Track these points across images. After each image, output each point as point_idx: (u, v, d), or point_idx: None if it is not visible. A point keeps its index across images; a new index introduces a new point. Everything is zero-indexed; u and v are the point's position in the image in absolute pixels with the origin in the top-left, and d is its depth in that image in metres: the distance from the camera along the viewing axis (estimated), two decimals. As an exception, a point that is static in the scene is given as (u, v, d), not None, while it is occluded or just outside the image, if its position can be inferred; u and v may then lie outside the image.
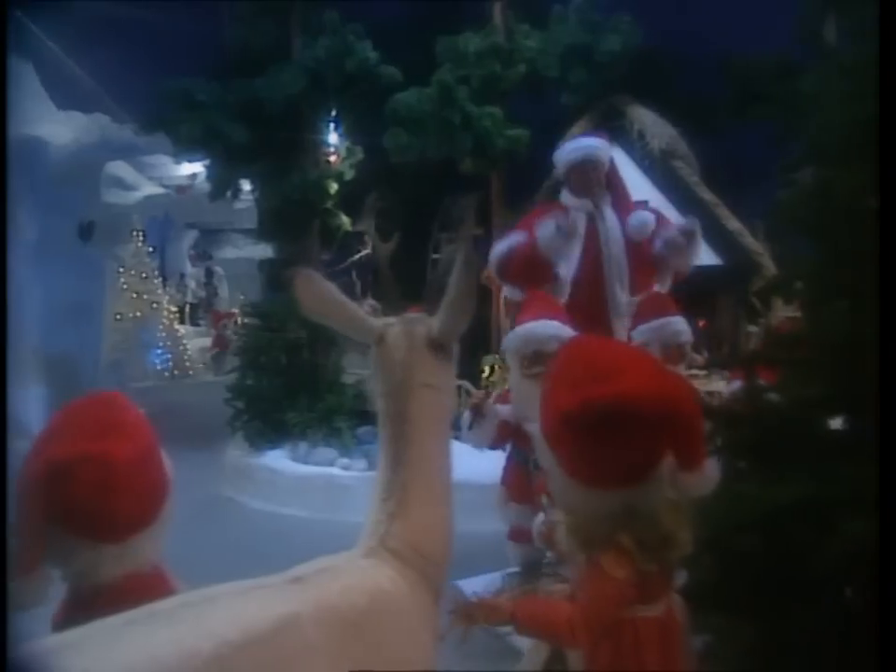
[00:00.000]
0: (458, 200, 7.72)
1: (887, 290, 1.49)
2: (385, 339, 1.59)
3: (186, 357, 13.34)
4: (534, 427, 1.62)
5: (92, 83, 9.66)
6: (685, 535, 1.53)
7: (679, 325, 3.51)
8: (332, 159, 7.43)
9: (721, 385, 4.13)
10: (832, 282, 1.88)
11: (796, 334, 1.98)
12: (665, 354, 3.38)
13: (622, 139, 6.88)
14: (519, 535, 3.62)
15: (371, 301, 8.43)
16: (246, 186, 8.22)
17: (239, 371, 6.89)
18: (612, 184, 3.98)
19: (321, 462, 6.01)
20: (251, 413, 6.64)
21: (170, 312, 13.62)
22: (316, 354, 6.47)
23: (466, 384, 6.62)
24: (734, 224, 6.73)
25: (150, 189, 14.56)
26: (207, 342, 14.23)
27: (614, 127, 6.96)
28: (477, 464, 5.75)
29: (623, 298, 3.80)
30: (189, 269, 17.22)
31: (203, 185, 10.16)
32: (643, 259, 3.83)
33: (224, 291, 16.90)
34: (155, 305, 13.29)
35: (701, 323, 6.65)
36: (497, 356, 6.14)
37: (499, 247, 3.94)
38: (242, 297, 13.90)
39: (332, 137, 7.45)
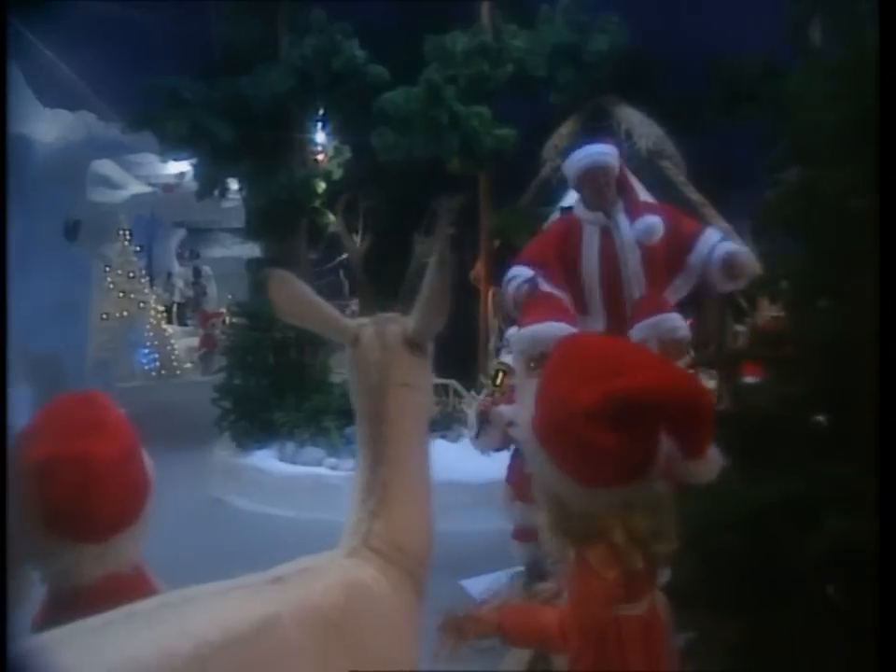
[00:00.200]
0: (445, 200, 7.72)
1: (886, 290, 1.50)
2: (361, 339, 1.59)
3: (173, 357, 13.29)
4: (521, 431, 1.60)
5: (78, 81, 9.61)
6: (672, 528, 1.53)
7: (675, 321, 3.53)
8: (320, 158, 7.41)
9: (710, 384, 4.17)
10: (816, 281, 1.89)
11: (781, 333, 1.99)
12: (663, 350, 3.39)
13: (609, 139, 6.89)
14: (524, 534, 3.62)
15: (358, 301, 8.42)
16: (234, 185, 8.19)
17: (226, 371, 6.87)
18: (623, 188, 3.99)
19: (309, 462, 6.00)
20: (238, 412, 6.62)
21: (157, 311, 13.56)
22: (304, 353, 6.46)
23: (453, 383, 6.64)
24: (721, 224, 6.76)
25: (137, 187, 14.48)
26: (195, 341, 14.18)
27: (601, 127, 6.98)
28: (479, 463, 5.80)
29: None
30: (176, 268, 17.14)
31: (190, 183, 10.12)
32: (655, 262, 3.85)
33: (212, 290, 16.84)
34: (142, 305, 13.23)
35: (688, 322, 6.65)
36: (503, 361, 6.14)
37: (511, 284, 3.94)
38: (230, 296, 13.85)
39: (320, 136, 7.43)
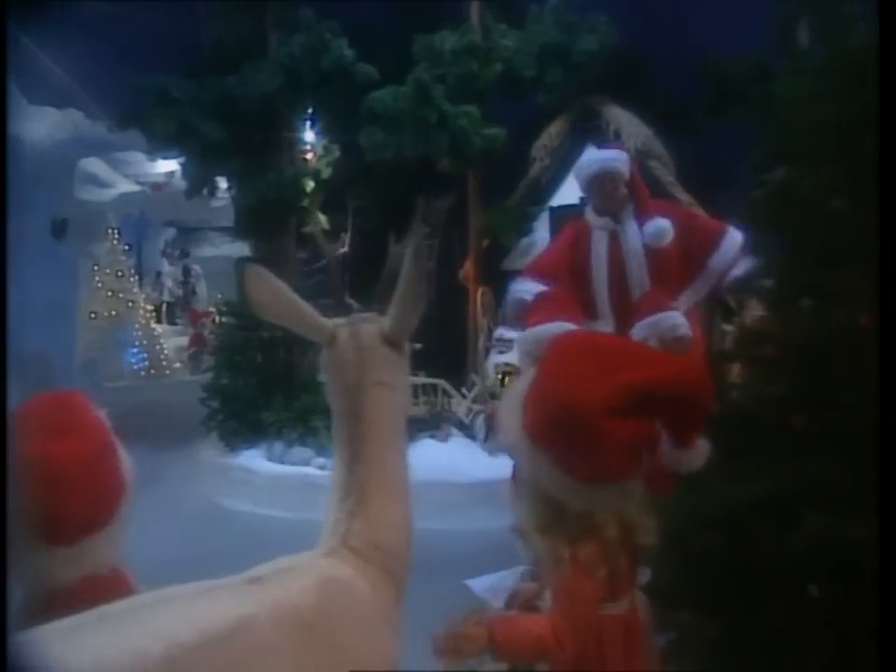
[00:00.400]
0: (430, 199, 7.72)
1: (886, 291, 1.50)
2: (337, 339, 1.59)
3: (162, 357, 13.21)
4: (510, 434, 1.59)
5: (66, 78, 9.55)
6: (652, 522, 1.54)
7: (675, 319, 3.54)
8: (309, 157, 7.39)
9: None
10: (797, 281, 1.90)
11: (762, 332, 2.00)
12: (663, 348, 3.40)
13: (598, 139, 6.90)
14: None
15: (348, 300, 8.40)
16: (223, 183, 8.15)
17: (214, 371, 6.86)
18: (634, 193, 4.00)
19: (297, 462, 5.99)
20: (226, 412, 6.60)
21: (146, 310, 13.48)
22: (292, 353, 6.45)
23: (442, 382, 6.64)
24: (710, 224, 6.77)
25: (126, 186, 14.39)
26: (184, 340, 14.10)
27: (590, 127, 6.99)
28: (469, 463, 5.80)
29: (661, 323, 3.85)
30: (166, 267, 17.05)
31: (179, 182, 10.06)
32: (666, 266, 3.85)
33: (202, 290, 16.74)
34: (131, 304, 13.15)
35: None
36: (509, 363, 6.14)
37: (518, 292, 3.96)
38: (219, 295, 13.78)
39: (309, 135, 7.41)
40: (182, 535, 4.94)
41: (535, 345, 3.19)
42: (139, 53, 7.74)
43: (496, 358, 6.68)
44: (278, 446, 6.17)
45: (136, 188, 14.72)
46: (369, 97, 6.24)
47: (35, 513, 1.34)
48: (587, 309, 3.86)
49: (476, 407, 6.35)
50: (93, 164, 13.28)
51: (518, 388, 1.60)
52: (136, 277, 13.88)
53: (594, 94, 6.93)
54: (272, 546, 1.62)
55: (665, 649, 1.76)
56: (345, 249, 7.97)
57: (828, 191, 1.77)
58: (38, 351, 8.84)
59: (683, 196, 7.00)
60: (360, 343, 1.58)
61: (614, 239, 3.90)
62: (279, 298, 1.59)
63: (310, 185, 7.21)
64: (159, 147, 7.14)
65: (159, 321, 14.32)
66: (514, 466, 3.87)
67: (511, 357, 6.21)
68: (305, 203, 7.25)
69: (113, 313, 12.86)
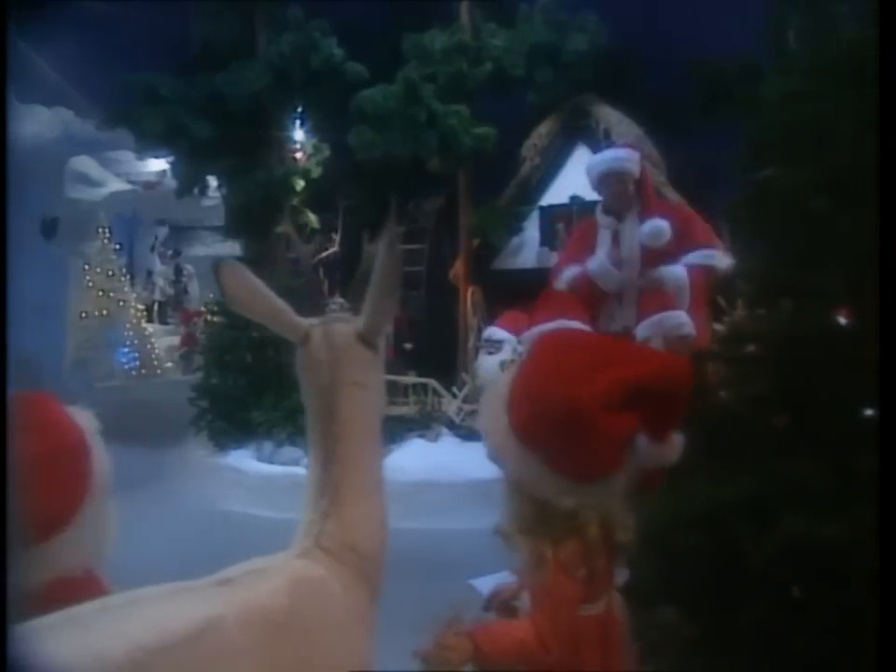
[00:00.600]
0: (422, 201, 7.72)
1: (886, 291, 1.50)
2: (311, 338, 1.59)
3: (154, 356, 13.16)
4: (494, 437, 1.57)
5: (56, 77, 9.50)
6: (631, 518, 1.53)
7: (679, 318, 3.56)
8: (298, 156, 7.37)
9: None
10: (777, 281, 1.90)
11: (743, 332, 2.00)
12: (668, 347, 3.41)
13: (587, 138, 6.91)
14: None
15: (338, 299, 8.39)
16: (214, 182, 8.13)
17: (204, 370, 6.84)
18: (641, 193, 4.02)
19: (286, 461, 5.97)
20: (215, 412, 6.58)
21: (137, 310, 13.43)
22: (281, 352, 6.42)
23: (433, 382, 6.63)
24: (699, 223, 6.78)
25: (117, 185, 14.33)
26: (176, 340, 14.05)
27: (580, 126, 6.99)
28: (459, 463, 5.79)
29: (633, 315, 3.87)
30: (157, 266, 16.98)
31: (171, 181, 10.02)
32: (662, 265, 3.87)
33: (194, 289, 16.69)
34: (122, 303, 13.10)
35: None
36: (513, 360, 6.12)
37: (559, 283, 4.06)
38: (211, 295, 13.74)
39: (298, 134, 7.39)
40: (171, 535, 4.93)
41: None
42: (129, 52, 7.70)
43: (488, 359, 6.67)
44: (268, 446, 6.15)
45: (128, 186, 14.65)
46: (358, 96, 6.23)
47: None
48: (591, 306, 3.90)
49: (467, 406, 6.34)
50: (84, 163, 13.22)
51: (499, 389, 1.59)
52: (128, 277, 13.82)
53: (584, 94, 6.93)
54: (261, 546, 1.62)
55: (643, 649, 1.75)
56: (335, 248, 7.96)
57: (806, 191, 1.76)
58: (27, 351, 8.80)
59: (673, 195, 7.01)
60: (334, 342, 1.58)
61: (615, 238, 3.93)
62: (254, 294, 1.58)
63: (300, 184, 7.19)
64: (147, 145, 7.12)
65: (150, 321, 14.27)
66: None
67: (507, 354, 6.21)
68: (295, 201, 7.24)
69: (104, 312, 12.80)
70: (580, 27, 6.60)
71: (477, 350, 7.12)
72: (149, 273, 16.10)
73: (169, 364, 13.29)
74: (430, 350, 7.29)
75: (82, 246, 12.75)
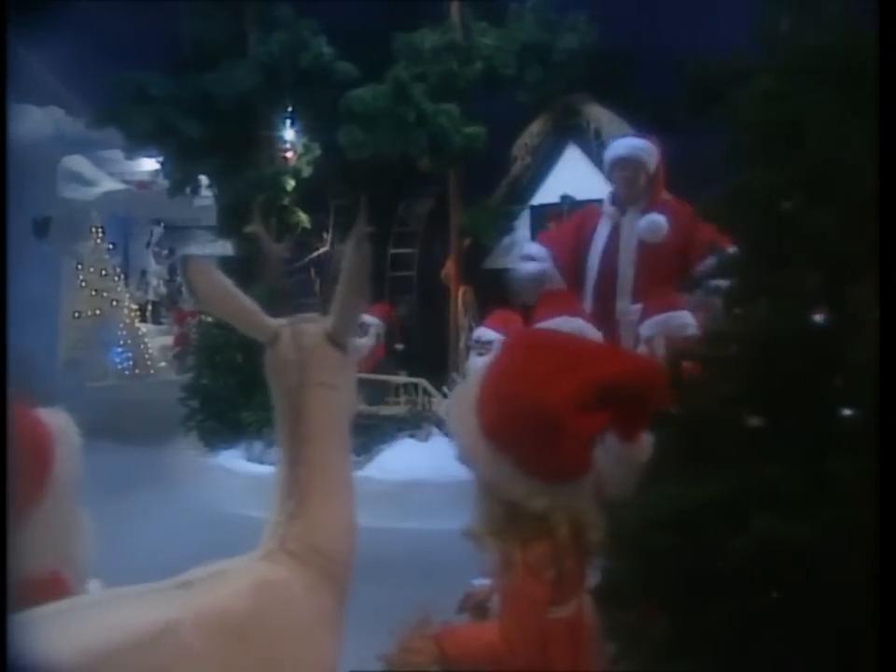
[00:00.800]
0: (413, 203, 7.70)
1: (886, 292, 1.49)
2: (279, 338, 1.58)
3: (147, 356, 13.15)
4: (464, 440, 1.57)
5: (47, 76, 9.47)
6: (601, 518, 1.52)
7: (684, 318, 3.55)
8: (289, 155, 7.35)
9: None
10: (753, 281, 1.89)
11: (719, 332, 1.99)
12: (671, 347, 3.40)
13: (578, 138, 6.91)
14: None
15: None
16: (206, 182, 8.11)
17: (194, 371, 6.83)
18: (651, 188, 4.01)
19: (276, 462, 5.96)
20: (206, 412, 6.57)
21: (131, 310, 13.42)
22: (272, 352, 6.41)
23: (423, 382, 6.61)
24: (690, 223, 6.77)
25: (110, 184, 14.28)
26: (170, 340, 14.03)
27: (571, 125, 6.98)
28: (449, 463, 5.78)
29: (628, 307, 3.87)
30: (152, 266, 16.96)
31: (165, 181, 10.00)
32: (659, 262, 3.85)
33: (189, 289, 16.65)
34: (115, 303, 13.08)
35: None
36: None
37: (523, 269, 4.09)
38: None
39: (289, 134, 7.37)
40: (161, 534, 4.93)
41: None
42: (120, 51, 7.67)
43: (478, 360, 6.66)
44: (257, 446, 6.14)
45: (121, 186, 14.62)
46: (347, 95, 6.21)
47: None
48: (575, 288, 3.91)
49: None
50: (77, 162, 13.17)
51: (468, 389, 1.59)
52: (122, 276, 13.80)
53: (575, 93, 6.91)
54: (251, 545, 1.61)
55: (616, 650, 1.74)
56: (327, 248, 7.94)
57: (781, 191, 1.75)
58: (19, 351, 8.78)
59: (665, 195, 7.01)
60: (302, 342, 1.57)
61: (615, 230, 3.94)
62: (222, 292, 1.58)
63: (290, 183, 7.17)
64: (136, 145, 7.10)
65: (144, 320, 14.27)
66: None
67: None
68: (286, 201, 7.22)
69: (97, 312, 12.79)
70: (570, 26, 6.59)
71: (468, 350, 7.12)
72: (143, 273, 16.09)
73: (163, 364, 13.28)
74: (421, 350, 7.28)
75: (75, 246, 12.72)
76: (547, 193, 7.13)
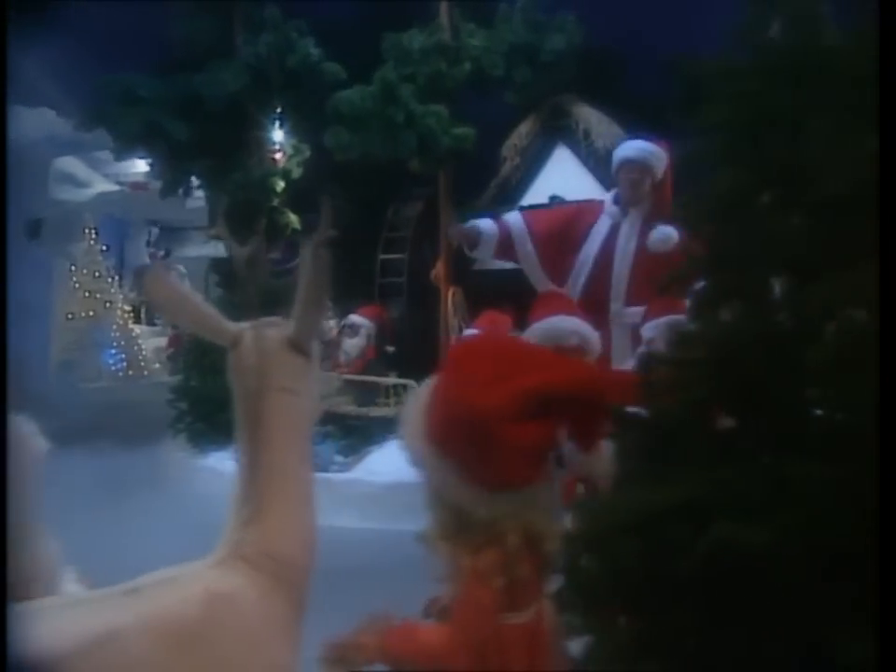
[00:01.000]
0: (402, 204, 7.68)
1: (886, 293, 1.47)
2: (241, 343, 1.57)
3: (141, 357, 13.15)
4: (412, 443, 1.56)
5: (37, 77, 9.45)
6: (557, 528, 1.51)
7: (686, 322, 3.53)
8: (277, 157, 7.34)
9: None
10: (719, 283, 1.88)
11: (687, 335, 1.98)
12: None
13: (567, 138, 6.91)
14: None
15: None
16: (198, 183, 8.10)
17: (183, 372, 6.82)
18: (656, 196, 3.99)
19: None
20: (195, 414, 6.57)
21: (124, 311, 13.41)
22: (260, 354, 6.40)
23: (411, 383, 6.60)
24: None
25: (104, 185, 14.27)
26: (163, 341, 14.01)
27: (560, 126, 6.98)
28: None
29: (622, 310, 3.85)
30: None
31: (159, 182, 9.99)
32: (653, 272, 3.85)
33: (184, 290, 16.62)
34: (108, 304, 13.07)
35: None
36: None
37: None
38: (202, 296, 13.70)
39: (277, 135, 7.36)
40: (151, 536, 4.92)
41: (541, 339, 3.19)
42: (109, 52, 7.67)
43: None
44: (246, 448, 6.13)
45: (115, 187, 14.61)
46: (335, 97, 6.20)
47: None
48: (559, 278, 3.89)
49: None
50: (71, 164, 13.17)
51: (420, 393, 1.58)
52: (116, 278, 13.78)
53: (564, 94, 6.91)
54: None
55: (579, 654, 1.74)
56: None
57: (744, 193, 1.75)
58: (12, 352, 8.77)
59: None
60: (263, 347, 1.56)
61: (614, 231, 3.92)
62: (180, 300, 1.57)
63: (280, 185, 7.16)
64: (125, 147, 7.09)
65: (137, 322, 14.23)
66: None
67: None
68: (275, 203, 7.21)
69: (90, 313, 12.78)
70: (558, 27, 6.57)
71: (458, 351, 7.09)
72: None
73: (156, 365, 13.27)
74: (411, 351, 7.26)
75: (69, 247, 12.71)
76: (536, 194, 7.13)
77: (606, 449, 1.53)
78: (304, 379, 1.60)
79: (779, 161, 1.76)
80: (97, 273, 12.97)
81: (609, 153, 6.92)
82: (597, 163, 6.73)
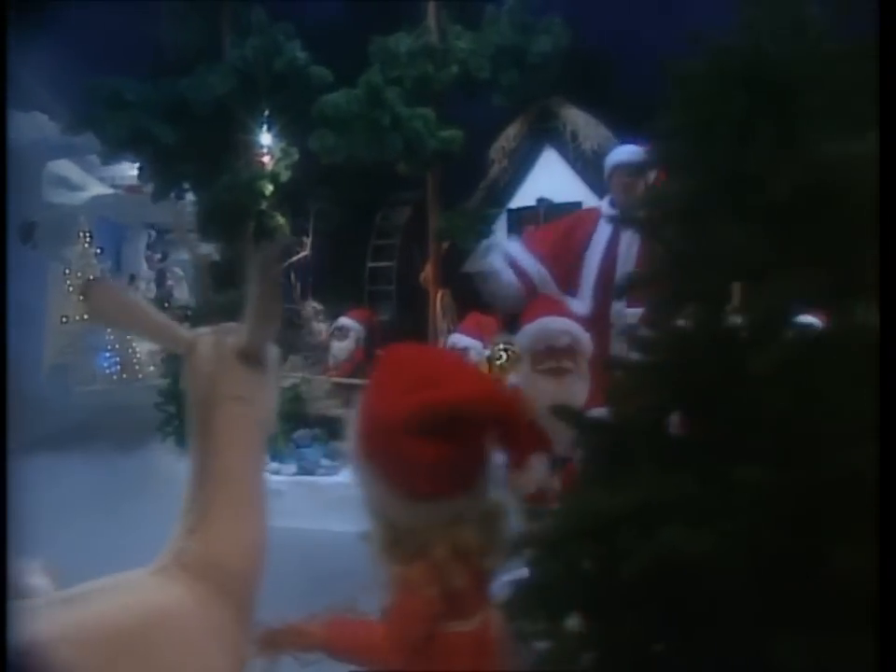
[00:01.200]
0: (391, 210, 7.69)
1: (886, 293, 1.47)
2: (196, 349, 1.57)
3: (135, 360, 13.15)
4: (348, 451, 1.57)
5: (29, 81, 9.46)
6: (504, 542, 1.51)
7: None
8: (265, 160, 7.34)
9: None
10: (677, 286, 1.88)
11: (642, 339, 1.97)
12: None
13: (555, 140, 6.91)
14: None
15: (313, 304, 8.36)
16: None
17: (170, 376, 6.82)
18: None
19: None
20: (183, 417, 6.55)
21: (119, 314, 13.40)
22: (248, 357, 6.39)
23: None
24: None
25: (98, 188, 14.28)
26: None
27: (547, 128, 6.98)
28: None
29: (622, 310, 3.88)
30: (143, 269, 16.93)
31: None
32: None
33: (183, 292, 16.64)
34: (103, 308, 13.07)
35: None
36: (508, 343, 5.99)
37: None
38: (196, 299, 13.70)
39: (265, 138, 7.35)
40: (140, 541, 4.91)
41: (533, 339, 3.20)
42: (97, 56, 7.67)
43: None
44: (233, 451, 6.13)
45: (110, 190, 14.61)
46: (320, 100, 6.19)
47: None
48: (570, 285, 3.93)
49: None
50: (64, 167, 13.17)
51: (360, 398, 1.58)
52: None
53: (551, 96, 6.91)
54: None
55: (537, 659, 1.73)
56: (307, 252, 7.93)
57: (696, 196, 1.75)
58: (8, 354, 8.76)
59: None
60: (217, 355, 1.56)
61: (615, 233, 3.96)
62: (130, 311, 1.57)
63: (268, 188, 7.16)
64: (112, 150, 7.09)
65: (132, 325, 14.22)
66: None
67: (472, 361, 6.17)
68: (263, 206, 7.21)
69: (85, 316, 12.77)
70: (545, 29, 6.57)
71: (447, 353, 7.10)
72: (132, 277, 16.05)
73: (150, 368, 13.25)
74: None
75: (63, 251, 12.72)
76: (524, 196, 7.14)
77: (536, 466, 1.53)
78: (257, 388, 1.59)
79: (729, 165, 1.76)
80: (91, 277, 12.96)
81: (596, 155, 6.94)
82: (585, 165, 6.73)
